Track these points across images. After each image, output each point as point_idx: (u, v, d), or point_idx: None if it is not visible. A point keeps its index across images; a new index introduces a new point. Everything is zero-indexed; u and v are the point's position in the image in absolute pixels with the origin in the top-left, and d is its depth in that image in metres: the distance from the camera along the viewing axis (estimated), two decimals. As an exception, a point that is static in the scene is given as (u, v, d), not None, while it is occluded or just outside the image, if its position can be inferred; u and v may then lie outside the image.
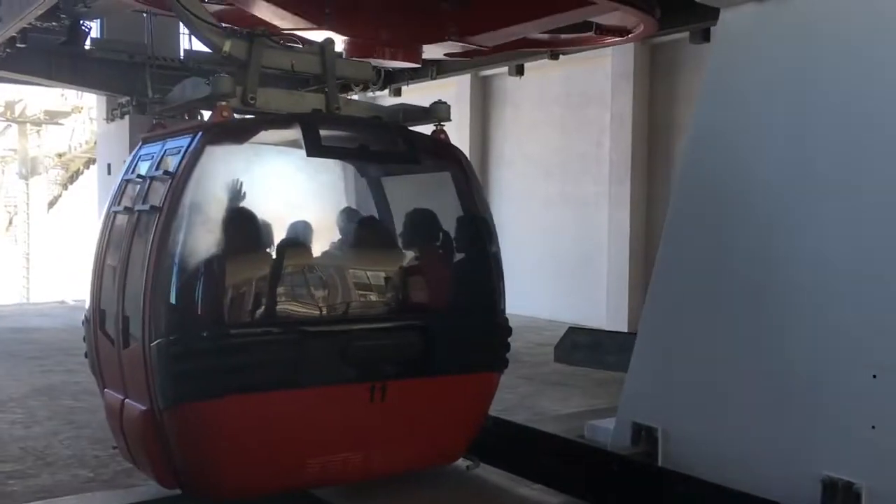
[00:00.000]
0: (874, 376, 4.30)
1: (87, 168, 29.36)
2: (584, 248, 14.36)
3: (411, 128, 5.33)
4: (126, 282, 4.59)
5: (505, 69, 13.01)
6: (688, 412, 5.19)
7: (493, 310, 5.11)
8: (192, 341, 4.21)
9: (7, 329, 14.26)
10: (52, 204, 31.78)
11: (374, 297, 5.03)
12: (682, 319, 5.38)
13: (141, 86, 16.16)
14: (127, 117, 16.29)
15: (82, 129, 28.93)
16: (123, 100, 16.44)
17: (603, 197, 13.97)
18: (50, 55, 15.95)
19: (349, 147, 5.07)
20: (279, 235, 4.74)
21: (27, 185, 31.20)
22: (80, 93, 25.13)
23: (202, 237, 4.32)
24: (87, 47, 16.33)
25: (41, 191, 31.40)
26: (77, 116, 28.96)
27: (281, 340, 4.41)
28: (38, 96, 28.61)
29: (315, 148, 4.65)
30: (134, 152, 5.26)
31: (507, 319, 5.16)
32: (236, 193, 4.53)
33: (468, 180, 5.22)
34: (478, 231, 5.21)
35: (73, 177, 30.79)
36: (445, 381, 4.85)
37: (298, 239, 4.85)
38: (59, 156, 30.63)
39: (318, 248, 4.96)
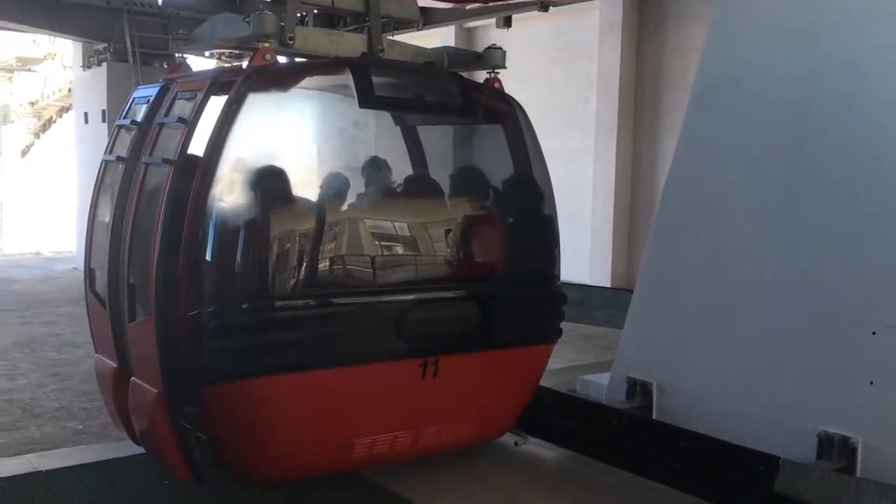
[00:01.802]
0: (874, 333, 4.32)
1: (61, 116, 28.73)
2: (568, 203, 14.29)
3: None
4: (132, 245, 4.23)
5: (489, 21, 12.79)
6: (684, 367, 5.22)
7: (549, 277, 4.83)
8: (236, 314, 3.88)
9: (-17, 280, 14.05)
10: (24, 153, 31.13)
11: (427, 265, 4.67)
12: (680, 275, 5.38)
13: (119, 32, 15.84)
14: (104, 65, 15.90)
15: (55, 77, 28.22)
16: (100, 46, 16.03)
17: (589, 151, 13.89)
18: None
19: (403, 96, 4.60)
20: (327, 195, 4.38)
21: (0, 132, 30.48)
22: (53, 39, 24.48)
23: (245, 196, 3.95)
24: (62, -9, 15.94)
25: (13, 139, 30.72)
26: (50, 63, 28.23)
27: (331, 314, 4.10)
28: (9, 42, 27.82)
29: (367, 97, 4.22)
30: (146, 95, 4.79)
31: (561, 287, 4.90)
32: (281, 147, 4.16)
33: (525, 135, 4.79)
34: (534, 191, 4.85)
35: (46, 125, 30.12)
36: (500, 354, 4.57)
37: (348, 200, 4.46)
38: (32, 104, 29.91)
39: (369, 210, 4.61)
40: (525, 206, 4.89)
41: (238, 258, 3.92)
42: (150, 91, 4.66)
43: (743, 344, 4.96)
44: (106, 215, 4.64)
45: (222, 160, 3.85)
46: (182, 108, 4.17)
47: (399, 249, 4.59)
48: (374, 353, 4.19)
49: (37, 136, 30.64)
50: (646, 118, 13.44)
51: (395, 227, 4.56)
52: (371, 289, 4.33)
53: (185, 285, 3.81)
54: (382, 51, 4.58)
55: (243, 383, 3.91)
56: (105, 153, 4.89)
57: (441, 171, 4.91)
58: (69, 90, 24.47)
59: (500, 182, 4.92)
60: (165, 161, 4.05)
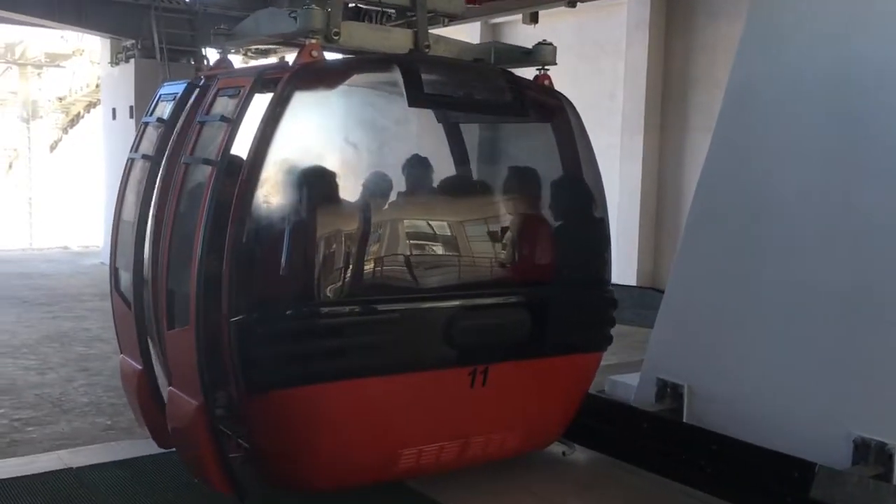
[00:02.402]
0: (912, 337, 4.24)
1: (88, 112, 28.99)
2: (594, 201, 14.19)
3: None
4: (171, 250, 4.06)
5: (516, 17, 12.68)
6: (715, 370, 5.14)
7: (601, 282, 4.70)
8: (281, 320, 3.75)
9: (15, 274, 14.23)
10: (52, 148, 31.45)
11: (476, 269, 4.50)
12: (713, 275, 5.30)
13: (146, 29, 15.96)
14: (132, 61, 16.02)
15: (83, 73, 28.48)
16: (128, 43, 16.16)
17: (615, 149, 13.77)
18: (53, -5, 15.66)
19: (453, 94, 4.38)
20: (373, 196, 4.22)
21: (28, 128, 30.82)
22: (81, 35, 24.69)
23: (290, 198, 3.84)
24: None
25: (42, 134, 31.05)
26: (78, 59, 28.48)
27: (379, 320, 3.96)
28: (38, 38, 28.09)
29: (417, 95, 4.08)
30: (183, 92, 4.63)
31: (612, 291, 4.78)
32: (327, 146, 4.07)
33: (576, 134, 4.64)
34: (585, 192, 4.70)
35: (74, 120, 30.41)
36: (550, 362, 4.44)
37: (394, 201, 4.31)
38: (60, 99, 30.20)
39: (417, 211, 4.47)
40: (576, 208, 4.75)
41: (283, 262, 3.81)
42: (177, 88, 4.58)
43: (777, 347, 4.87)
44: (131, 214, 4.58)
45: (267, 160, 3.73)
46: (224, 105, 4.03)
47: (447, 252, 4.43)
48: (422, 362, 4.07)
49: (65, 131, 30.95)
50: (673, 115, 13.29)
51: (442, 229, 4.41)
52: (419, 294, 4.20)
53: (227, 290, 3.69)
54: (429, 47, 4.42)
55: (287, 392, 3.80)
56: (131, 151, 4.81)
57: (489, 172, 4.81)
58: (97, 86, 24.69)
59: (551, 183, 4.77)
60: (207, 161, 3.92)
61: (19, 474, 4.76)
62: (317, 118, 4.03)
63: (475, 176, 4.80)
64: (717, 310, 5.24)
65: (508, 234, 4.53)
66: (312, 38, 3.95)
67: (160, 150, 4.47)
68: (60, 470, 4.81)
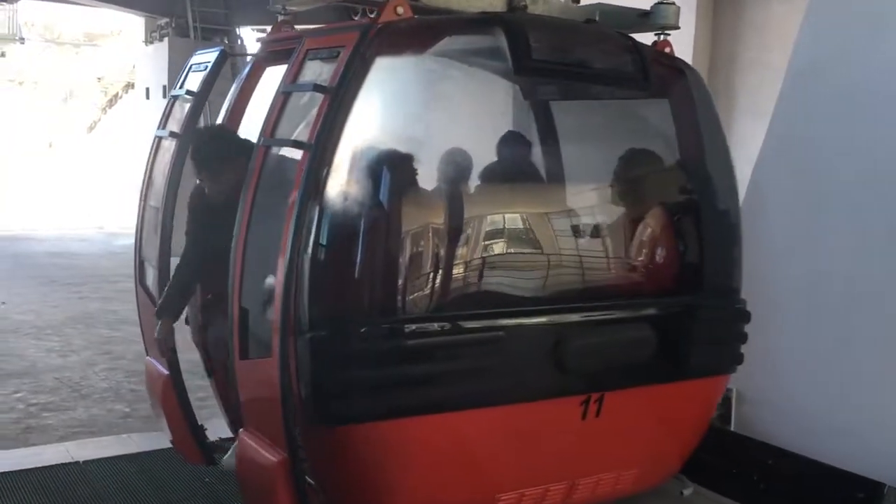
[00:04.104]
0: None
1: (126, 92, 29.13)
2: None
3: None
4: (244, 256, 3.27)
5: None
6: (769, 374, 4.71)
7: (731, 291, 3.90)
8: (355, 339, 2.99)
9: (45, 254, 14.22)
10: (91, 128, 31.72)
11: (589, 277, 3.68)
12: (767, 272, 4.86)
13: (181, 7, 15.83)
14: (166, 40, 15.89)
15: (122, 53, 28.61)
16: (163, 21, 16.05)
17: (658, 134, 13.34)
18: (89, -27, 15.62)
19: (569, 62, 3.52)
20: (470, 188, 3.47)
21: (66, 108, 31.10)
22: (118, 14, 24.76)
23: (369, 187, 3.05)
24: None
25: (81, 115, 31.31)
26: (116, 39, 28.61)
27: (476, 341, 3.19)
28: (78, 18, 28.25)
29: (524, 62, 3.27)
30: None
31: (745, 302, 3.95)
32: (414, 125, 3.31)
33: (704, 111, 3.85)
34: (713, 183, 3.89)
35: (112, 101, 30.61)
36: (672, 388, 3.68)
37: (496, 193, 3.57)
38: (99, 79, 30.41)
39: (520, 205, 3.63)
40: (702, 201, 3.87)
41: (357, 268, 3.00)
42: (210, 56, 4.02)
43: (839, 347, 4.45)
44: (159, 199, 4.08)
45: (341, 141, 2.97)
46: (317, 71, 3.21)
47: (554, 256, 3.60)
48: (527, 390, 3.29)
49: (103, 111, 31.18)
50: (720, 99, 12.77)
51: (549, 227, 3.60)
52: (524, 307, 3.40)
53: (296, 300, 2.95)
54: (525, 7, 3.70)
55: (364, 427, 3.05)
56: (158, 128, 4.30)
57: (602, 157, 3.88)
58: (134, 66, 24.75)
59: (673, 170, 3.95)
60: (298, 144, 3.12)
61: (23, 467, 4.58)
62: (400, 89, 3.29)
63: (585, 162, 3.97)
64: (772, 308, 4.80)
65: (623, 232, 3.82)
66: None
67: (189, 126, 3.97)
68: (66, 463, 4.61)
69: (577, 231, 3.62)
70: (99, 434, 5.56)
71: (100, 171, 26.04)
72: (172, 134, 4.00)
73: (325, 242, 2.94)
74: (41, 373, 7.07)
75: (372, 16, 3.12)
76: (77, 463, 4.63)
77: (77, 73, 31.11)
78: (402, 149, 3.15)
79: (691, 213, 3.84)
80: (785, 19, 10.59)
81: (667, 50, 3.90)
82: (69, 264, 13.17)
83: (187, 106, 3.89)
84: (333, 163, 2.95)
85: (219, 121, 3.89)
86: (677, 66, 3.86)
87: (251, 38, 17.63)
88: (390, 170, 3.07)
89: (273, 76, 3.70)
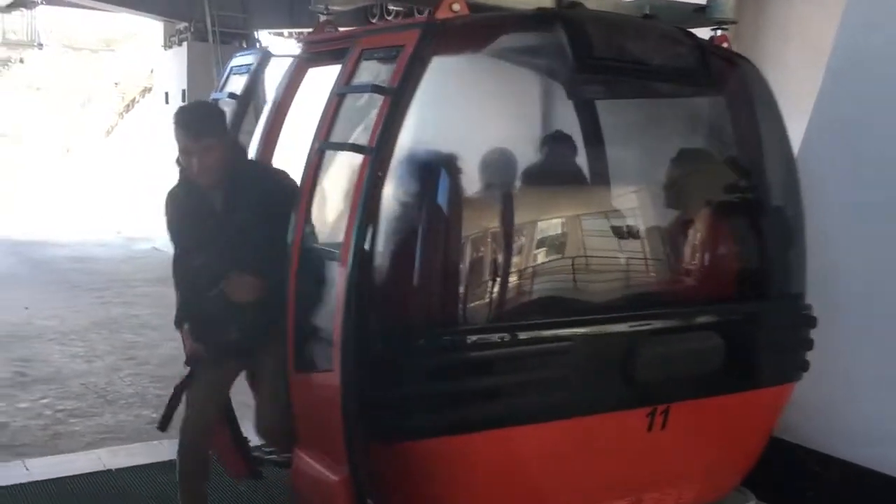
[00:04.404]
0: None
1: (143, 97, 29.22)
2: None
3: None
4: (300, 265, 3.18)
5: None
6: (814, 372, 4.56)
7: (795, 295, 3.75)
8: (412, 352, 2.85)
9: (67, 258, 14.24)
10: (108, 132, 31.83)
11: (653, 282, 3.56)
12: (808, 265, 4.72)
13: (199, 11, 15.82)
14: (185, 44, 15.89)
15: (138, 58, 28.70)
16: (181, 26, 16.05)
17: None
18: (108, -22, 15.64)
19: (629, 59, 3.36)
20: (530, 190, 3.34)
21: (84, 113, 31.23)
22: (135, 20, 24.86)
23: (427, 190, 2.90)
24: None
25: (98, 119, 31.40)
26: (133, 45, 28.71)
27: (540, 352, 3.02)
28: (94, 23, 28.37)
29: (586, 59, 3.13)
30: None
31: (810, 307, 3.81)
32: (471, 126, 3.15)
33: (764, 108, 3.69)
34: (776, 182, 3.76)
35: (129, 105, 30.69)
36: (739, 398, 3.54)
37: (557, 195, 3.41)
38: (116, 84, 30.51)
39: (586, 210, 3.48)
40: (765, 202, 3.76)
41: (418, 276, 2.85)
42: (252, 58, 3.94)
43: (891, 353, 4.31)
44: None
45: (397, 143, 2.85)
46: (374, 72, 3.10)
47: (618, 261, 3.44)
48: (594, 402, 3.16)
49: (120, 116, 31.27)
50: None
51: (610, 230, 3.41)
52: (591, 317, 3.24)
53: (351, 310, 2.83)
54: (575, 4, 3.59)
55: (424, 444, 2.91)
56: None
57: (663, 157, 3.72)
58: (151, 71, 24.83)
59: (736, 170, 3.79)
60: (358, 148, 2.99)
61: (56, 475, 4.53)
62: (462, 89, 3.16)
63: (648, 162, 3.80)
64: (815, 305, 4.67)
65: (688, 236, 3.66)
66: None
67: (233, 129, 3.80)
68: (98, 472, 4.55)
69: (640, 235, 3.47)
70: (127, 441, 5.51)
71: (118, 175, 26.12)
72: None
73: (384, 250, 2.82)
74: (67, 378, 7.04)
75: (417, 15, 3.04)
76: (109, 471, 4.57)
77: (95, 79, 31.24)
78: (464, 151, 3.02)
79: (758, 215, 3.72)
80: (807, 17, 10.47)
81: (725, 45, 3.76)
82: (90, 269, 13.18)
83: (228, 109, 3.77)
84: (395, 167, 2.84)
85: (263, 123, 3.77)
86: (738, 61, 3.72)
87: (269, 41, 17.66)
88: (453, 174, 2.94)
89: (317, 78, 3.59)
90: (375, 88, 2.94)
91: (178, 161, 3.39)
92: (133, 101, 30.20)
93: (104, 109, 31.29)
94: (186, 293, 3.55)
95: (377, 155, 2.81)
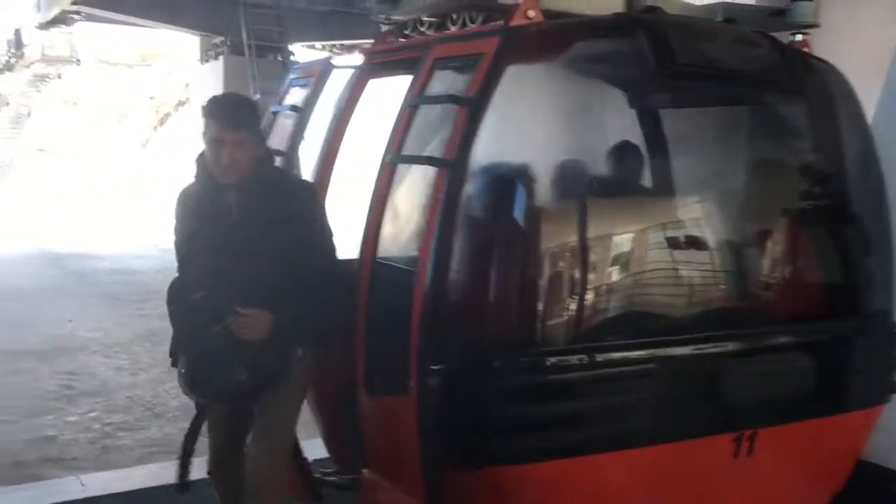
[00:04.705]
0: None
1: (177, 110, 29.63)
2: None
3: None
4: (371, 283, 3.05)
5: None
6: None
7: (886, 313, 3.56)
8: (488, 373, 2.71)
9: (107, 271, 14.38)
10: (143, 145, 32.29)
11: (737, 299, 3.34)
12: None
13: (235, 25, 15.97)
14: (221, 58, 16.06)
15: (173, 72, 29.11)
16: (218, 40, 16.23)
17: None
18: (147, -6, 15.89)
19: (712, 65, 3.20)
20: (609, 201, 3.17)
21: (120, 126, 31.71)
22: (171, 35, 25.24)
23: (504, 202, 2.77)
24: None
25: (134, 132, 31.88)
26: (168, 59, 29.12)
27: (624, 374, 2.86)
28: (130, 39, 28.82)
29: (669, 65, 2.99)
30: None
31: None
32: (557, 137, 3.00)
33: (849, 114, 3.52)
34: (862, 194, 3.56)
35: (164, 119, 31.14)
36: (826, 422, 3.36)
37: (642, 210, 3.25)
38: (151, 98, 30.97)
39: (669, 223, 3.28)
40: (851, 215, 3.60)
41: (495, 294, 2.74)
42: (313, 70, 3.83)
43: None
44: None
45: (472, 153, 2.72)
46: (449, 82, 2.98)
47: (704, 277, 3.26)
48: (681, 428, 2.99)
49: (155, 129, 31.72)
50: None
51: (691, 243, 3.23)
52: (676, 337, 3.04)
53: (424, 328, 2.72)
54: (653, 9, 3.46)
55: (496, 471, 2.77)
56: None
57: (747, 166, 3.60)
58: (186, 85, 25.17)
59: (822, 181, 3.64)
60: (436, 161, 2.87)
61: (112, 491, 4.49)
62: (542, 97, 2.99)
63: (732, 171, 3.60)
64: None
65: (774, 251, 3.48)
66: None
67: (295, 143, 3.71)
68: (154, 487, 4.51)
69: (724, 249, 3.33)
70: (175, 454, 5.49)
71: (153, 187, 26.43)
72: (276, 152, 3.74)
73: (462, 267, 2.72)
74: (113, 392, 7.06)
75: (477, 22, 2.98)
76: (165, 486, 4.53)
77: (130, 93, 31.73)
78: (543, 162, 2.92)
79: (846, 227, 3.58)
80: (851, 22, 10.28)
81: (806, 50, 3.63)
82: (130, 281, 13.28)
83: (289, 122, 3.71)
84: (473, 179, 2.74)
85: (323, 135, 3.70)
86: (821, 66, 3.57)
87: (303, 54, 17.82)
88: (533, 186, 2.83)
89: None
90: (454, 99, 2.83)
91: (198, 159, 3.10)
92: (167, 114, 30.69)
93: (139, 123, 31.80)
94: (184, 328, 3.06)
95: (456, 167, 2.71)
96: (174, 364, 3.14)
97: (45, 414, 6.45)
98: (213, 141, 2.97)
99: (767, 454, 3.19)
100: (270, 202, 3.00)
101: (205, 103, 3.07)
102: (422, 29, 3.21)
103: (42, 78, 28.39)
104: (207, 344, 2.95)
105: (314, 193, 3.30)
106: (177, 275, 3.18)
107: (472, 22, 3.35)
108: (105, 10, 16.15)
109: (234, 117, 3.00)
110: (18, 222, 20.73)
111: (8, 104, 30.08)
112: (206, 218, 3.03)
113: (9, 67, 25.52)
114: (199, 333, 2.96)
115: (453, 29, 3.30)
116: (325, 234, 3.06)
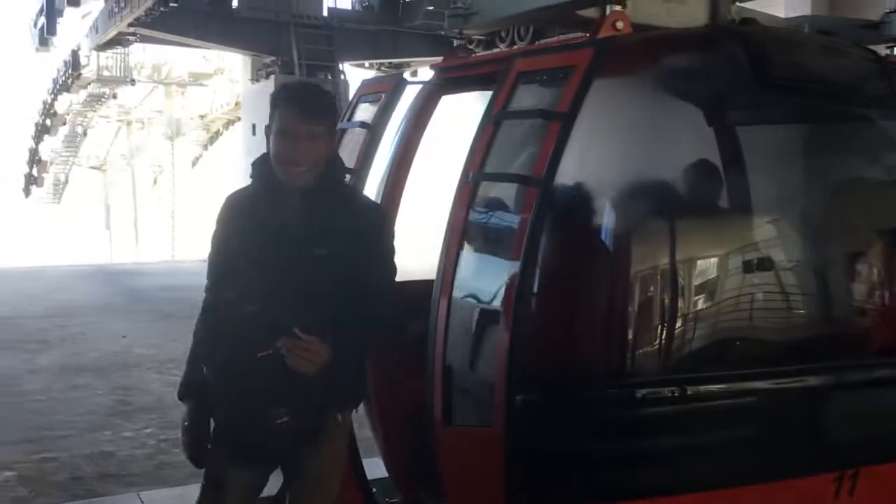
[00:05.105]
0: None
1: (227, 129, 30.08)
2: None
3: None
4: (451, 308, 2.85)
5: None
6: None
7: None
8: (571, 405, 2.60)
9: (158, 287, 14.53)
10: (194, 163, 32.84)
11: (842, 330, 3.16)
12: None
13: (286, 45, 16.17)
14: (272, 77, 16.23)
15: (223, 91, 29.58)
16: (269, 60, 16.42)
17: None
18: (198, 15, 16.15)
19: (812, 79, 3.04)
20: (703, 221, 3.00)
21: (172, 145, 32.30)
22: (221, 55, 25.67)
23: (593, 222, 2.66)
24: (234, 7, 16.52)
25: (185, 151, 32.45)
26: (219, 78, 29.62)
27: (722, 409, 2.70)
28: (182, 58, 29.42)
29: (768, 79, 2.85)
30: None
31: None
32: (651, 154, 2.85)
33: None
34: None
35: (214, 137, 31.64)
36: None
37: (738, 230, 3.04)
38: (202, 117, 31.50)
39: (766, 244, 3.05)
40: None
41: (583, 321, 2.62)
42: (382, 86, 3.72)
43: None
44: None
45: (559, 171, 2.58)
46: (536, 96, 2.85)
47: (805, 304, 3.08)
48: (777, 467, 2.79)
49: (205, 147, 32.25)
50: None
51: (797, 268, 3.06)
52: (774, 368, 2.85)
53: (509, 355, 2.54)
54: (734, 20, 3.36)
55: None
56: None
57: (847, 182, 3.43)
58: (236, 104, 25.53)
59: None
60: (521, 179, 2.73)
61: (171, 510, 4.45)
62: (634, 112, 2.86)
63: (831, 190, 3.42)
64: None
65: (874, 274, 3.29)
66: (615, 4, 2.83)
67: (366, 161, 3.58)
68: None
69: (829, 274, 3.16)
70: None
71: (203, 204, 26.83)
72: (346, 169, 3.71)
73: (550, 293, 2.59)
74: (168, 408, 7.04)
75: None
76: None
77: (182, 112, 32.35)
78: (636, 181, 2.80)
79: None
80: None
81: None
82: (180, 297, 13.38)
83: (357, 139, 3.60)
84: (563, 200, 2.61)
85: (391, 153, 3.60)
86: None
87: (351, 73, 17.99)
88: (625, 207, 2.70)
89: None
90: (544, 113, 2.68)
91: (255, 162, 2.67)
92: (218, 132, 31.17)
93: (190, 141, 32.36)
94: (225, 350, 2.61)
95: (546, 186, 2.55)
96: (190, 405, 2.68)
97: (103, 429, 6.47)
98: (285, 133, 2.51)
99: (870, 495, 3.00)
100: (341, 216, 2.56)
101: (276, 90, 2.67)
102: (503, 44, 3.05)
103: (98, 98, 29.04)
104: (252, 371, 2.49)
105: (385, 213, 3.07)
106: (207, 292, 2.79)
107: (521, 39, 3.27)
108: (159, 32, 16.46)
109: (312, 106, 2.55)
110: (73, 239, 21.17)
111: (65, 123, 30.85)
112: (262, 227, 2.57)
113: (66, 88, 26.12)
114: (243, 358, 2.50)
115: (502, 46, 3.22)
116: (390, 262, 2.70)
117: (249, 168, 2.66)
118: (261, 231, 2.57)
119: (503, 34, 3.41)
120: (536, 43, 3.19)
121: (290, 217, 2.55)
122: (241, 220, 2.63)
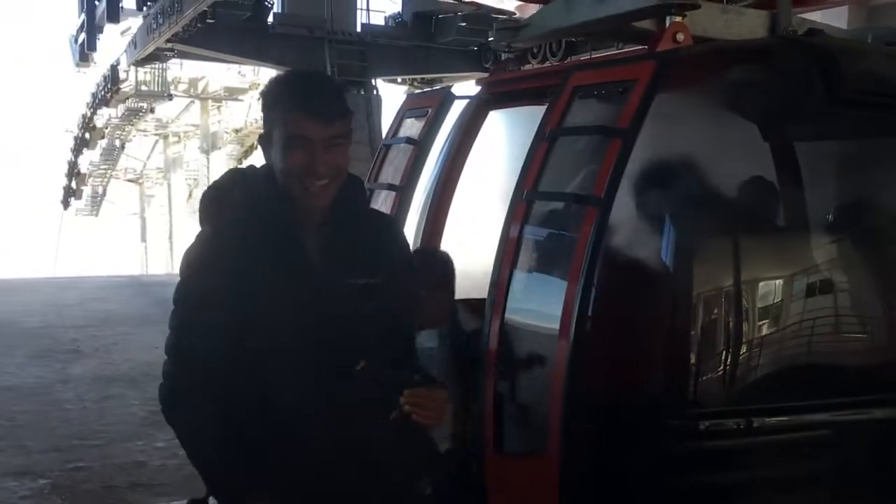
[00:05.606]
0: None
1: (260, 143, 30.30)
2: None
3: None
4: (502, 331, 2.69)
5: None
6: None
7: None
8: (634, 440, 2.46)
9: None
10: (228, 178, 33.10)
11: None
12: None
13: (319, 60, 16.22)
14: (307, 92, 16.27)
15: (257, 106, 29.81)
16: (304, 75, 16.45)
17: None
18: (234, 31, 16.30)
19: (887, 93, 2.84)
20: (781, 248, 2.82)
21: (207, 159, 32.63)
22: (256, 70, 25.91)
23: (653, 244, 2.51)
24: (269, 22, 16.66)
25: (220, 165, 32.74)
26: (254, 93, 29.88)
27: (790, 442, 2.54)
28: (218, 73, 29.76)
29: (839, 92, 2.69)
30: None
31: None
32: (716, 171, 2.68)
33: None
34: None
35: (248, 151, 31.90)
36: None
37: (809, 251, 2.86)
38: (236, 131, 31.81)
39: (836, 265, 2.89)
40: None
41: (641, 349, 2.48)
42: (429, 101, 3.63)
43: None
44: None
45: (636, 192, 2.48)
46: (593, 111, 2.76)
47: (878, 329, 2.90)
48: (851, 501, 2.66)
49: (239, 161, 32.49)
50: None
51: (867, 291, 2.89)
52: (848, 399, 2.68)
53: (571, 391, 2.41)
54: (795, 31, 3.20)
55: None
56: (369, 180, 3.67)
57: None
58: (271, 118, 25.71)
59: None
60: (580, 198, 2.61)
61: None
62: (698, 127, 2.71)
63: (891, 210, 3.15)
64: None
65: None
66: (675, 14, 2.69)
67: (413, 178, 3.44)
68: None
69: (881, 297, 2.94)
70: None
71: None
72: (390, 186, 3.51)
73: (608, 317, 2.45)
74: (200, 421, 7.03)
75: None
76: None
77: (217, 126, 32.71)
78: (701, 200, 2.65)
79: None
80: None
81: None
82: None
83: (401, 154, 3.50)
84: (625, 219, 2.49)
85: (437, 170, 3.50)
86: None
87: (384, 88, 18.02)
88: (687, 227, 2.57)
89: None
90: (604, 129, 2.57)
91: (237, 185, 2.23)
92: (252, 146, 31.41)
93: (225, 155, 32.67)
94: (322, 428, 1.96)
95: (606, 206, 2.42)
96: None
97: (135, 439, 6.45)
98: (295, 141, 1.93)
99: None
100: (367, 240, 2.05)
101: (271, 84, 2.07)
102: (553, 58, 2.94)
103: (135, 112, 29.51)
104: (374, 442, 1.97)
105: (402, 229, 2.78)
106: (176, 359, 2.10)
107: (553, 55, 3.16)
108: (196, 48, 16.64)
109: (330, 105, 1.96)
110: (110, 251, 21.40)
111: (103, 137, 31.35)
112: (269, 271, 1.94)
113: (105, 102, 26.54)
114: (353, 432, 1.96)
115: (533, 63, 3.11)
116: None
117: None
118: (272, 268, 1.94)
119: (535, 50, 3.31)
120: (590, 56, 3.07)
121: (307, 246, 1.99)
122: (248, 253, 1.95)
